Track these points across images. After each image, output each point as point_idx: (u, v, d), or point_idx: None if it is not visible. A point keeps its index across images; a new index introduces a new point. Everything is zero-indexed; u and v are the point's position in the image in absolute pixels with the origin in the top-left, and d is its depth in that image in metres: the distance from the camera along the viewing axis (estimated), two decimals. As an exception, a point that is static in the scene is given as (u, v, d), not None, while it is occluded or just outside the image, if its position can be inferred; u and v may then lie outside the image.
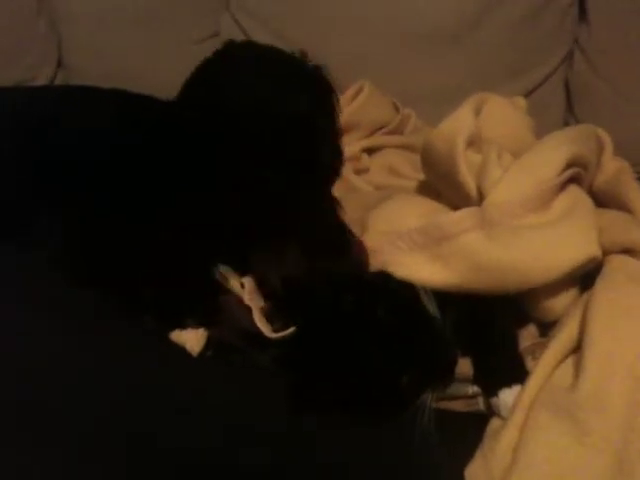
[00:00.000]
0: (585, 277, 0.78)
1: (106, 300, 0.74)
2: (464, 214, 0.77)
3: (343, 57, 1.08)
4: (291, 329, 0.77)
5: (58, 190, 0.84)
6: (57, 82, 1.29)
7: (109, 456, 0.63)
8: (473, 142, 0.85)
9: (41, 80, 1.27)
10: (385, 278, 0.77)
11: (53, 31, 1.28)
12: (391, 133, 1.10)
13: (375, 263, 0.79)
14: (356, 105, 1.07)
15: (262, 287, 0.79)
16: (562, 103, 1.22)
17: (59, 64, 1.31)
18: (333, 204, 0.85)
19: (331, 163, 0.92)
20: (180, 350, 0.75)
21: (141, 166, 0.84)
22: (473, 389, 0.77)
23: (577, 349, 0.73)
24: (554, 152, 0.80)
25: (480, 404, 0.77)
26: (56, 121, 0.89)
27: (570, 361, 0.73)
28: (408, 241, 0.79)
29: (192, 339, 0.79)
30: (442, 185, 0.88)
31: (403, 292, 0.76)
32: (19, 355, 0.65)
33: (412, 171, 1.02)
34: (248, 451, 0.66)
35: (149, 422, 0.65)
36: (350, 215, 0.87)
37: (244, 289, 0.82)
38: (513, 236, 0.75)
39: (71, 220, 0.81)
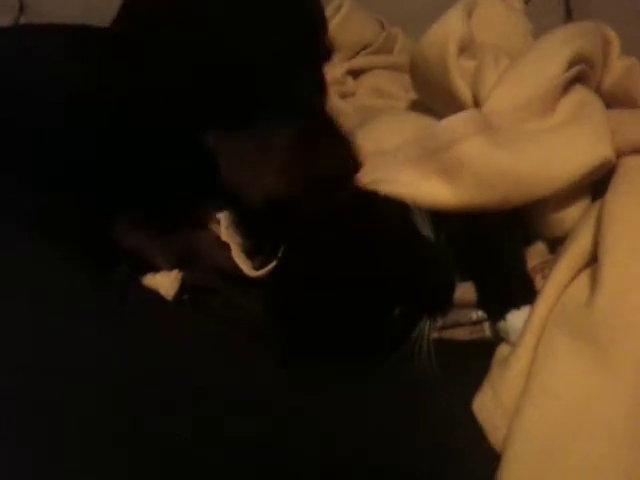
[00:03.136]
0: (595, 186, 0.70)
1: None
2: (461, 118, 0.69)
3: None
4: (272, 264, 0.70)
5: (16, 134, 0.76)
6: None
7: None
8: (466, 48, 0.78)
9: (3, 27, 1.19)
10: (372, 197, 0.69)
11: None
12: (377, 53, 1.01)
13: (362, 182, 0.71)
14: (335, 24, 0.98)
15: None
16: (561, 10, 1.12)
17: (21, 9, 1.22)
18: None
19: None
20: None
21: (103, 103, 0.77)
22: (478, 314, 0.70)
23: (591, 262, 0.65)
24: (556, 48, 0.72)
25: (486, 330, 0.70)
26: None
27: (584, 276, 0.65)
28: (400, 156, 0.70)
29: (165, 282, 0.73)
30: (434, 99, 0.80)
31: (392, 212, 0.68)
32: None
33: (402, 91, 0.94)
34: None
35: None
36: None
37: (220, 225, 0.75)
38: (518, 141, 0.68)
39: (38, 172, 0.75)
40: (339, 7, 1.00)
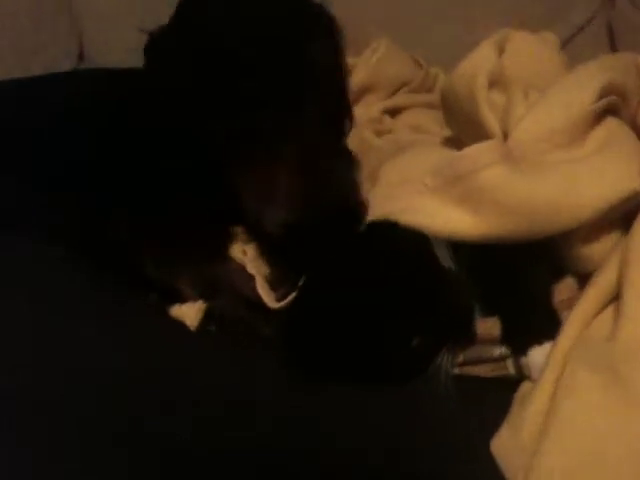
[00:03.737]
0: (627, 220, 0.68)
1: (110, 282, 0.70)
2: (482, 147, 0.68)
3: (361, 17, 1.00)
4: (292, 296, 0.70)
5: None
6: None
7: (105, 444, 0.60)
8: (497, 82, 0.77)
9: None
10: (391, 227, 0.68)
11: (74, 26, 1.25)
12: (415, 92, 1.01)
13: (381, 212, 0.70)
14: (373, 64, 0.99)
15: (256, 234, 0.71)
16: (606, 51, 1.10)
17: (80, 57, 1.27)
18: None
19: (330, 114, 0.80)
20: (170, 329, 0.71)
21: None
22: (501, 351, 0.67)
23: (618, 297, 0.63)
24: (586, 81, 0.71)
25: (510, 367, 0.67)
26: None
27: (610, 310, 0.63)
28: (420, 185, 0.69)
29: (190, 313, 0.73)
30: (465, 133, 0.80)
31: (411, 242, 0.67)
32: (22, 346, 0.63)
33: (439, 129, 0.93)
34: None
35: (139, 409, 0.62)
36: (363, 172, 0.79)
37: (246, 256, 0.76)
38: (540, 169, 0.67)
39: (61, 201, 0.76)
40: (376, 49, 1.02)
